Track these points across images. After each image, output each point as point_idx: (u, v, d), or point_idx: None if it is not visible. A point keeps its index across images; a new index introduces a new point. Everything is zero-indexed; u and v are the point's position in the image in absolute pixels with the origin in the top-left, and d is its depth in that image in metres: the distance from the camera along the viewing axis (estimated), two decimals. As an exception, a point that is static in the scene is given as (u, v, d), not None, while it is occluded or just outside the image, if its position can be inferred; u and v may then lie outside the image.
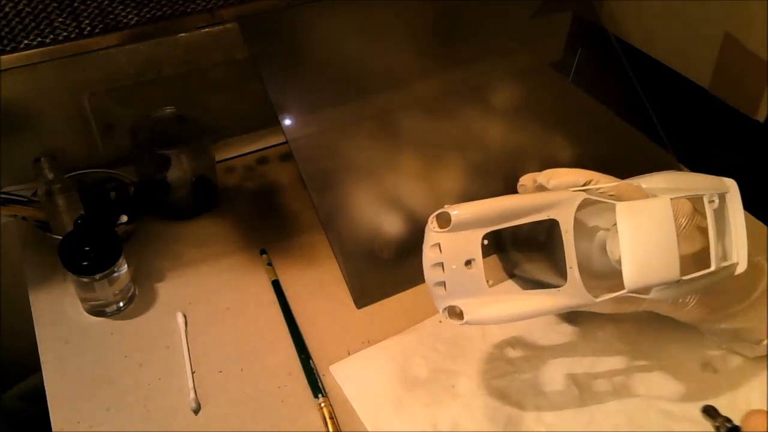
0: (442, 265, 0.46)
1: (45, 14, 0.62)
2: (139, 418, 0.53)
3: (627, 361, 0.58)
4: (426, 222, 0.47)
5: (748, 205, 0.51)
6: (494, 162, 0.73)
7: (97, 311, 0.60)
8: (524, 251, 0.61)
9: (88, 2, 0.63)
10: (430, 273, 0.47)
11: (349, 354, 0.58)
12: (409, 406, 0.54)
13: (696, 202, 0.50)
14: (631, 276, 0.46)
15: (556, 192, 0.50)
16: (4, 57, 0.62)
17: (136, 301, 0.62)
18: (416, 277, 0.64)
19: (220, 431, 0.52)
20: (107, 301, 0.59)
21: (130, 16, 0.66)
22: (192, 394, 0.54)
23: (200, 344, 0.58)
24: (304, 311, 0.62)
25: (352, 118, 0.72)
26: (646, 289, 0.48)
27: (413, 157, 0.72)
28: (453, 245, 0.46)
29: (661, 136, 0.77)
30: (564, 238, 0.47)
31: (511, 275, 0.65)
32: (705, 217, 0.50)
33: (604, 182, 0.51)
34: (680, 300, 0.52)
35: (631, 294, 0.47)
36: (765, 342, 0.56)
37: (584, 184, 0.51)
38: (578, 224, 0.49)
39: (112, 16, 0.65)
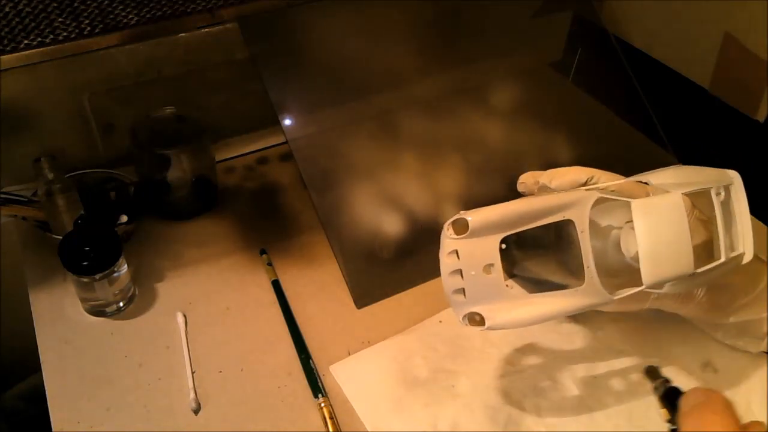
0: (460, 272, 0.46)
1: (45, 14, 0.62)
2: (139, 418, 0.53)
3: (627, 361, 0.58)
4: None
5: (748, 205, 0.52)
6: (494, 162, 0.73)
7: (97, 311, 0.60)
8: (527, 251, 0.61)
9: (88, 2, 0.63)
10: (448, 281, 0.46)
11: (349, 354, 0.58)
12: (409, 406, 0.54)
13: (701, 196, 0.50)
14: (648, 271, 0.46)
15: (569, 192, 0.50)
16: (4, 57, 0.62)
17: (136, 301, 0.62)
18: (416, 277, 0.65)
19: (220, 431, 0.52)
20: (107, 301, 0.59)
21: (130, 16, 0.66)
22: (192, 394, 0.54)
23: (200, 344, 0.58)
24: (304, 311, 0.62)
25: (352, 118, 0.72)
26: (660, 285, 0.48)
27: (413, 157, 0.72)
28: (471, 251, 0.46)
29: (661, 136, 0.77)
30: (580, 238, 0.47)
31: (512, 275, 0.65)
32: (702, 211, 0.50)
33: (606, 179, 0.51)
34: (688, 295, 0.53)
35: (647, 290, 0.47)
36: (768, 337, 0.56)
37: (586, 182, 0.51)
38: (591, 224, 0.49)
39: (112, 16, 0.65)
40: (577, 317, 0.61)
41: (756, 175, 0.55)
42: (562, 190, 0.54)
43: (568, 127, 0.77)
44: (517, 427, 0.53)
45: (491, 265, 0.46)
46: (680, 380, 0.56)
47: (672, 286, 0.48)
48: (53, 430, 0.52)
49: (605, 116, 0.83)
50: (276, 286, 0.64)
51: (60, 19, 0.63)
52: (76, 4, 0.63)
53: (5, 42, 0.62)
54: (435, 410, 0.54)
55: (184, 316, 0.60)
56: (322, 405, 0.53)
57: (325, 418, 0.53)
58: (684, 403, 0.42)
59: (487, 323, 0.46)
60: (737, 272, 0.51)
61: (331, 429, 0.52)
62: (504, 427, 0.53)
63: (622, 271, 0.51)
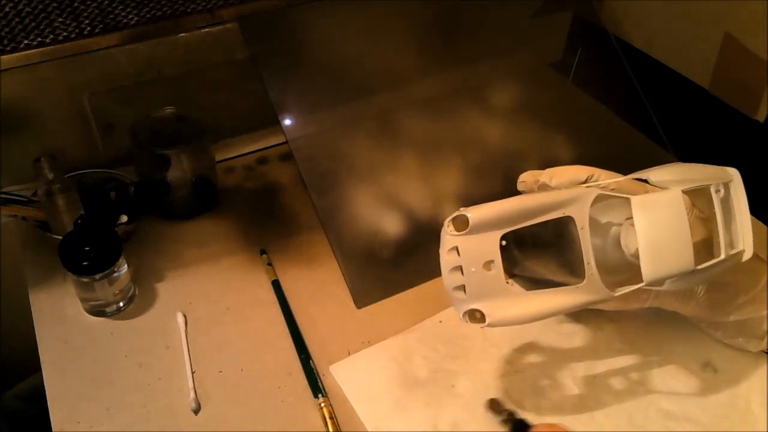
0: (460, 268, 0.46)
1: (45, 14, 0.62)
2: (139, 418, 0.53)
3: (627, 361, 0.58)
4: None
5: (749, 205, 0.52)
6: (494, 162, 0.73)
7: (97, 311, 0.60)
8: (527, 250, 0.61)
9: (88, 2, 0.63)
10: (448, 277, 0.46)
11: (349, 354, 0.58)
12: (409, 406, 0.54)
13: (700, 195, 0.51)
14: (649, 268, 0.47)
15: (569, 189, 0.50)
16: (4, 57, 0.62)
17: (136, 301, 0.62)
18: (416, 277, 0.65)
19: (220, 431, 0.52)
20: (107, 301, 0.59)
21: (130, 16, 0.66)
22: (192, 394, 0.54)
23: (200, 344, 0.58)
24: (304, 311, 0.62)
25: (352, 118, 0.72)
26: (661, 281, 0.48)
27: (413, 157, 0.72)
28: (471, 248, 0.46)
29: (661, 136, 0.77)
30: (580, 235, 0.47)
31: (512, 275, 0.65)
32: (701, 209, 0.50)
33: (605, 177, 0.52)
34: (688, 293, 0.53)
35: (646, 287, 0.47)
36: None
37: (585, 180, 0.51)
38: (591, 221, 0.49)
39: (112, 16, 0.65)
40: (577, 317, 0.61)
41: (756, 175, 0.55)
42: (563, 188, 0.54)
43: (568, 126, 0.77)
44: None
45: (491, 261, 0.46)
46: (680, 380, 0.57)
47: (672, 283, 0.48)
48: (53, 430, 0.52)
49: (605, 116, 0.83)
50: (276, 286, 0.64)
51: (60, 19, 0.63)
52: (76, 4, 0.63)
53: (5, 42, 0.62)
54: (435, 410, 0.54)
55: (184, 316, 0.60)
56: (322, 405, 0.53)
57: (325, 418, 0.53)
58: None
59: (488, 320, 0.46)
60: (737, 271, 0.51)
61: (331, 429, 0.52)
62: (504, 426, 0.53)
63: (622, 269, 0.51)
